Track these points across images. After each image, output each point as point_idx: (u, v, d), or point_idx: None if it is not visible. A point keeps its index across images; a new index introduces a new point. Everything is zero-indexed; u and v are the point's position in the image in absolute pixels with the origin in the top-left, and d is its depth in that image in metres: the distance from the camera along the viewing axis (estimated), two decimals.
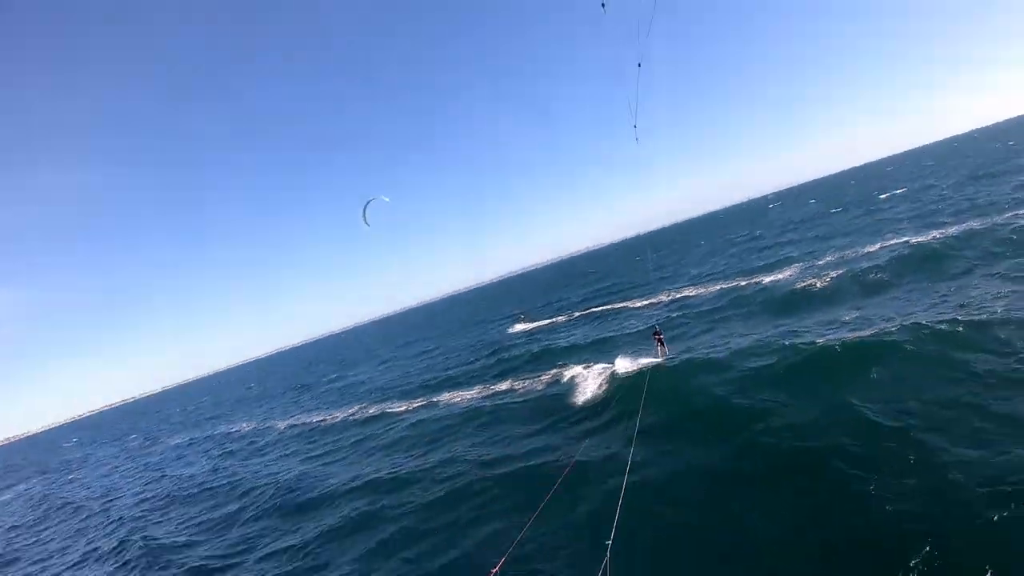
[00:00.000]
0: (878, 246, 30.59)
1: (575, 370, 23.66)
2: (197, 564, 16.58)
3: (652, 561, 9.85)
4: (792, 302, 25.10)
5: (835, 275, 26.01)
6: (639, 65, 13.20)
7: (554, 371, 25.49)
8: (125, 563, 18.58)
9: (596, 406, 18.60)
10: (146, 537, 20.30)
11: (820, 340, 16.91)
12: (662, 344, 20.72)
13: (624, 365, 20.69)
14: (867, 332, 16.53)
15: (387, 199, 21.33)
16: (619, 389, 18.96)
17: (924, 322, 15.67)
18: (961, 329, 14.61)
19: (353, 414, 32.03)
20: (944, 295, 18.93)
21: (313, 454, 25.89)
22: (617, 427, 16.17)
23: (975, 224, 28.01)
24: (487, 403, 23.90)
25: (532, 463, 15.49)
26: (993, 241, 23.84)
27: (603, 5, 10.29)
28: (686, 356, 20.11)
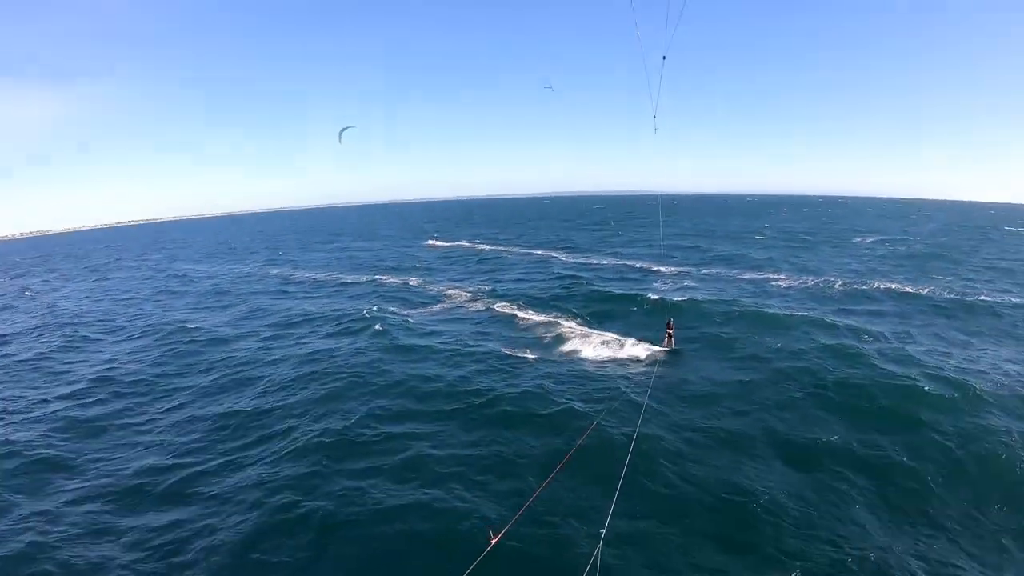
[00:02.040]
0: None
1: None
2: None
3: None
4: None
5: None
6: (664, 57, 12.99)
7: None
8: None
9: None
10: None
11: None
12: (671, 336, 21.44)
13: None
14: None
15: (356, 127, 29.40)
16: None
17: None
18: None
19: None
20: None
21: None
22: None
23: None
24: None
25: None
26: None
27: None
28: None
